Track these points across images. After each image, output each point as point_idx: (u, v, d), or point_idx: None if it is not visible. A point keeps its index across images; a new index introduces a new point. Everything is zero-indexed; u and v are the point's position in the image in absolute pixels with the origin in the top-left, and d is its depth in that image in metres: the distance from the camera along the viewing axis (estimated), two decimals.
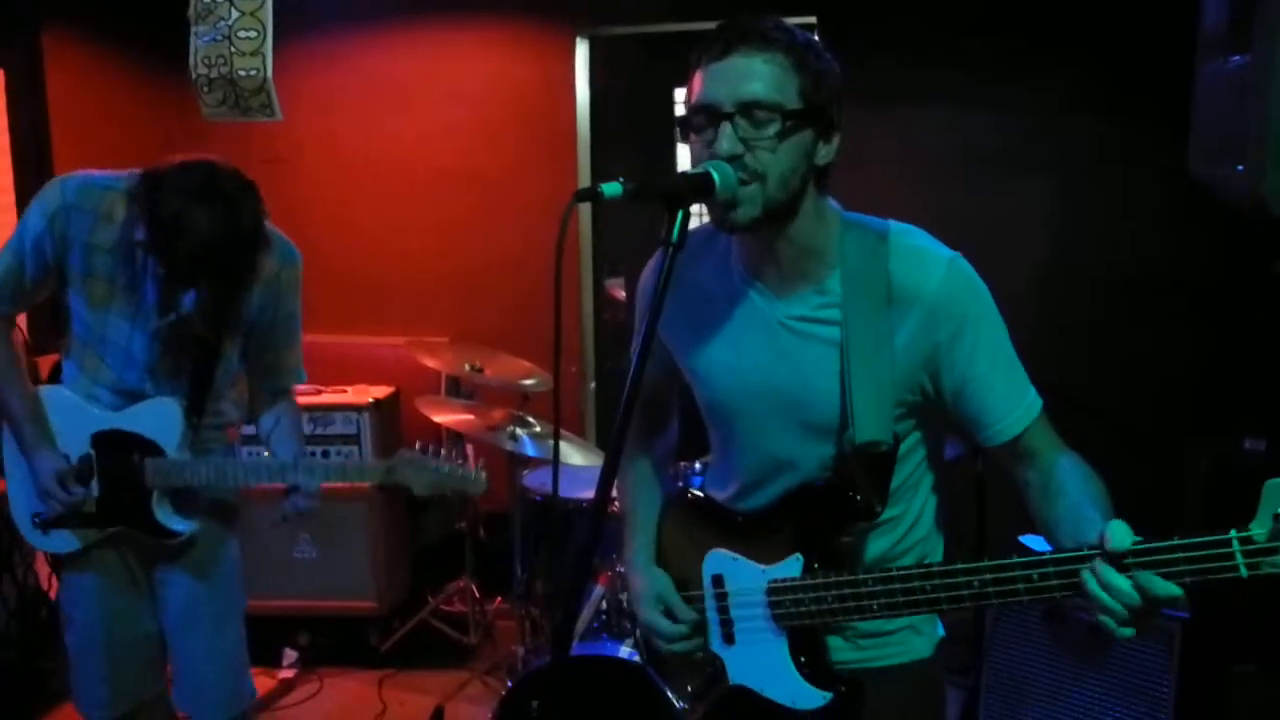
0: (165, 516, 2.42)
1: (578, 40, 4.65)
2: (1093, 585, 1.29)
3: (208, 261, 2.12)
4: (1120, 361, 4.08)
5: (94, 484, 2.40)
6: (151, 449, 2.39)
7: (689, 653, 1.76)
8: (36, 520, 2.42)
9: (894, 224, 1.60)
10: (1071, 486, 1.50)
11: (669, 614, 1.76)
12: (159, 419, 2.39)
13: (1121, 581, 1.27)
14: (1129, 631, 1.29)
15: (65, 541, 2.44)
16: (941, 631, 1.77)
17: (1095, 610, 1.30)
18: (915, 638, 1.72)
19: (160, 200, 2.12)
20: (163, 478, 2.39)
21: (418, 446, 2.44)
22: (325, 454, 4.04)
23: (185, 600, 2.53)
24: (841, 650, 1.68)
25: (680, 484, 1.98)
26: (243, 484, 2.48)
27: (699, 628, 1.74)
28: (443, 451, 2.43)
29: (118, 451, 2.39)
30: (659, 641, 1.78)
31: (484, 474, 2.43)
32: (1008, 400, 1.55)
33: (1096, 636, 2.95)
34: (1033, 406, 1.57)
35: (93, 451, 2.40)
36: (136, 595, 2.52)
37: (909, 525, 1.68)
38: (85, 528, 2.42)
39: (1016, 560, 1.38)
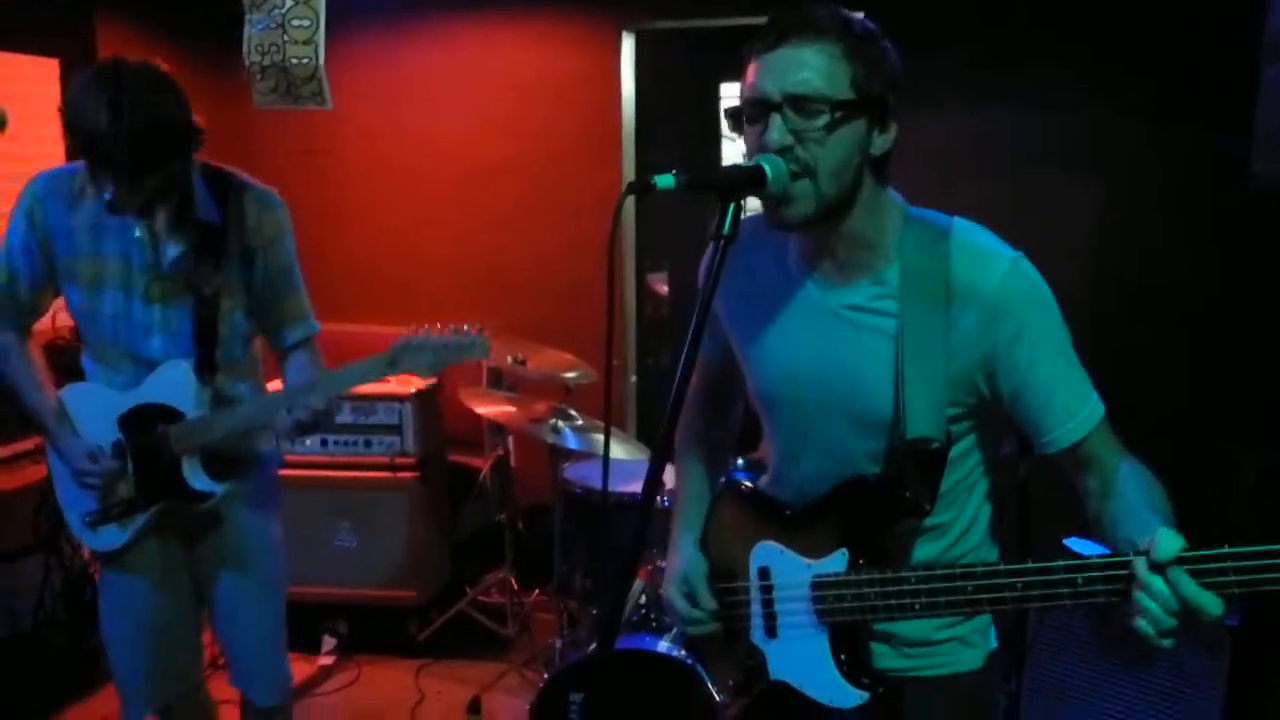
0: (194, 478, 2.41)
1: (623, 34, 4.64)
2: (1134, 589, 1.27)
3: (98, 147, 2.09)
4: (1170, 365, 4.01)
5: (129, 466, 2.42)
6: (173, 415, 2.39)
7: (704, 637, 1.77)
8: (87, 519, 2.43)
9: (958, 221, 1.57)
10: (1131, 490, 1.47)
11: (691, 598, 1.76)
12: (172, 383, 2.39)
13: (1161, 586, 1.24)
14: (1168, 642, 1.26)
15: (114, 536, 2.45)
16: (994, 643, 1.74)
17: (1135, 615, 1.27)
18: (964, 649, 1.70)
19: (67, 92, 2.13)
20: (187, 440, 2.38)
21: (414, 330, 2.37)
22: (368, 444, 4.07)
23: (230, 590, 2.56)
24: (886, 657, 1.66)
25: (723, 478, 1.96)
26: (261, 423, 2.44)
27: (720, 617, 1.75)
28: (438, 326, 2.37)
29: (144, 427, 2.40)
30: (674, 620, 1.80)
31: (486, 338, 2.37)
32: (1068, 406, 1.52)
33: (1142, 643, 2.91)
34: (1094, 413, 1.53)
35: (121, 435, 2.41)
36: (176, 592, 2.55)
37: (960, 532, 1.65)
38: (131, 514, 2.43)
39: (1061, 564, 1.35)
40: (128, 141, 2.07)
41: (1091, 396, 1.54)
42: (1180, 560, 1.23)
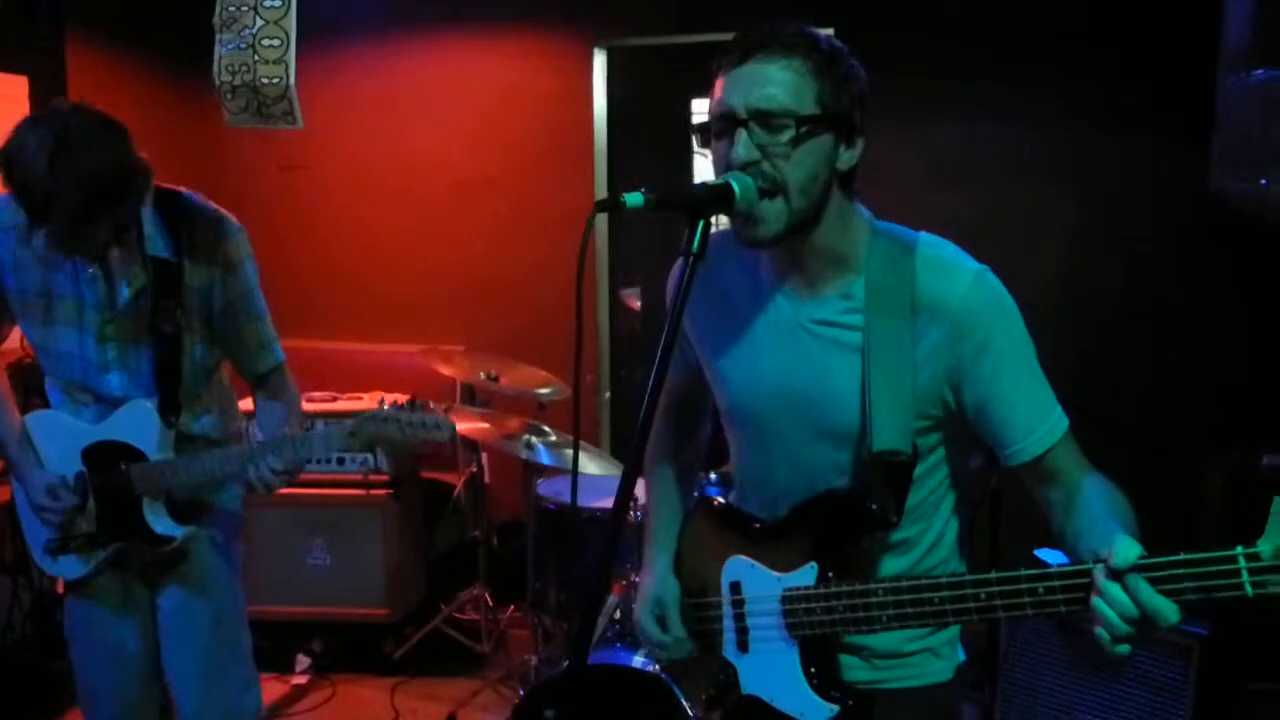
0: (156, 521, 2.35)
1: (595, 51, 4.66)
2: (1092, 596, 1.28)
3: (40, 203, 2.03)
4: (1138, 375, 4.06)
5: (91, 502, 2.37)
6: (136, 455, 2.33)
7: (675, 660, 1.77)
8: (47, 547, 2.39)
9: (924, 235, 1.59)
10: (1095, 503, 1.47)
11: (662, 621, 1.77)
12: (136, 423, 2.33)
13: (1119, 593, 1.25)
14: (1124, 649, 1.27)
15: (73, 566, 2.41)
16: (962, 656, 1.75)
17: (1094, 623, 1.28)
18: (934, 661, 1.70)
19: (7, 146, 2.07)
20: (147, 482, 2.32)
21: (381, 402, 2.27)
22: (341, 461, 4.05)
23: (178, 613, 2.47)
24: (857, 670, 1.67)
25: (696, 493, 1.97)
26: (223, 475, 2.33)
27: (689, 643, 1.76)
28: (407, 401, 2.24)
29: (108, 464, 2.34)
30: (643, 643, 1.81)
31: (450, 421, 2.25)
32: (1030, 419, 1.53)
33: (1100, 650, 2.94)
34: (1057, 426, 1.54)
35: (84, 469, 2.36)
36: (139, 623, 2.48)
37: (928, 546, 1.66)
38: (91, 549, 2.39)
39: (1024, 573, 1.36)
40: (70, 198, 2.02)
41: (1055, 410, 1.55)
42: (1137, 567, 1.25)
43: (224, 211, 2.38)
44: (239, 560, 2.58)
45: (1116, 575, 1.25)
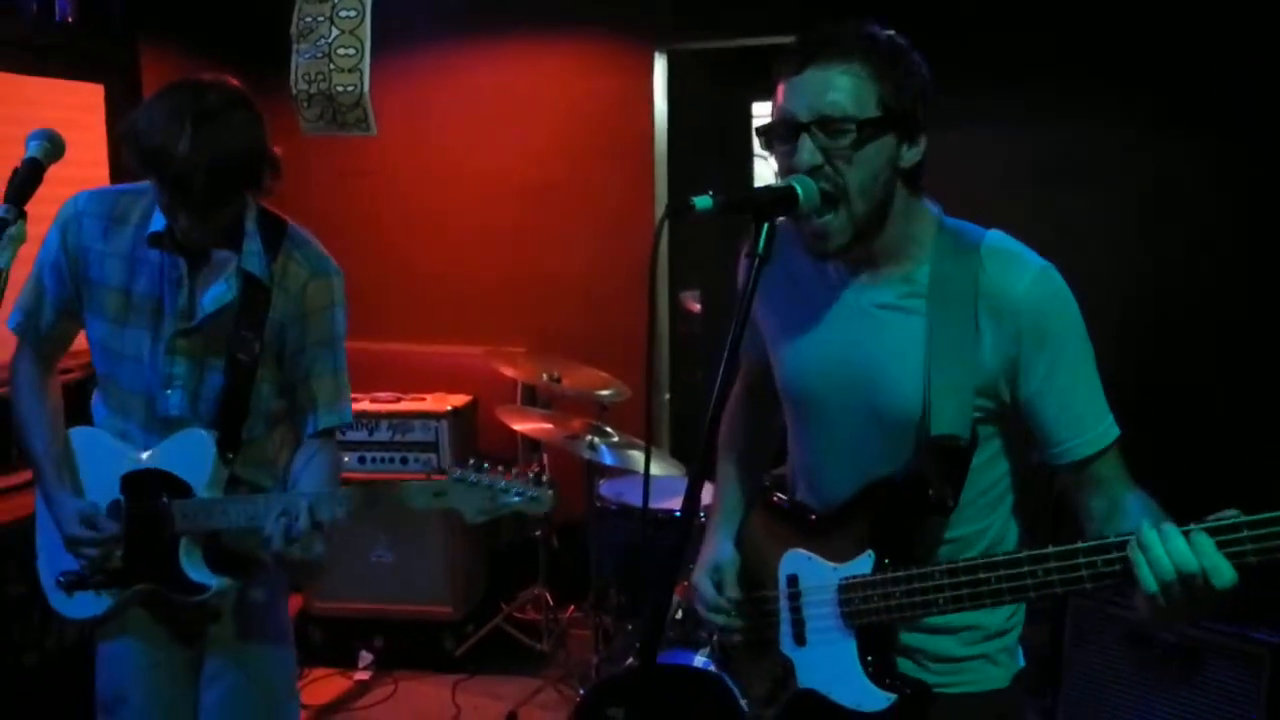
0: (191, 567, 2.13)
1: (656, 55, 4.68)
2: (1152, 538, 1.29)
3: (177, 176, 1.90)
4: (1205, 381, 3.98)
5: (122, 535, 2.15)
6: (182, 489, 2.11)
7: (727, 630, 1.78)
8: (60, 580, 2.17)
9: (992, 231, 1.61)
10: (1137, 516, 1.46)
11: (720, 586, 1.78)
12: (188, 454, 2.12)
13: (1181, 544, 1.27)
14: (1155, 599, 1.28)
15: (87, 605, 2.18)
16: (1021, 663, 1.74)
17: (1146, 575, 1.29)
18: (990, 667, 1.69)
19: (139, 114, 1.96)
20: (190, 521, 2.10)
21: (470, 462, 2.02)
22: (405, 460, 4.11)
23: (219, 689, 2.26)
24: (912, 673, 1.66)
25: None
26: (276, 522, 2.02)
27: (745, 613, 1.76)
28: (499, 467, 2.00)
29: (147, 495, 2.13)
30: (699, 607, 1.81)
31: (550, 491, 1.98)
32: (1082, 420, 1.53)
33: (1180, 659, 2.90)
34: (1107, 434, 1.54)
35: (122, 497, 2.15)
36: (181, 668, 2.26)
37: (988, 545, 1.65)
38: (109, 587, 2.16)
39: (1081, 546, 1.38)
40: (209, 170, 1.88)
41: (1107, 417, 1.55)
42: (1199, 528, 1.28)
43: (327, 253, 2.24)
44: (287, 622, 2.38)
45: (1182, 531, 1.28)
